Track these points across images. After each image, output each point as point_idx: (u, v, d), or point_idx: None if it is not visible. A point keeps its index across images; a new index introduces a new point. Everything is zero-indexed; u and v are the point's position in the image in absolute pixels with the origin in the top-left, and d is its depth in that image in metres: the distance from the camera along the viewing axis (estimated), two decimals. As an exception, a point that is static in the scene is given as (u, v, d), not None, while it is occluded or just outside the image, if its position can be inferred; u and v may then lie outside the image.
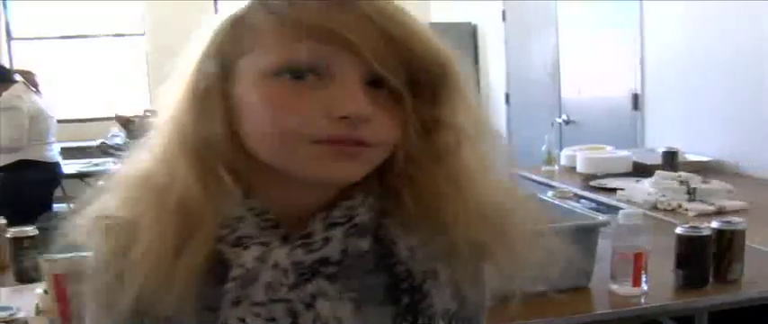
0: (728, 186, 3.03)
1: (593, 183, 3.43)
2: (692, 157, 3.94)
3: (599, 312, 1.73)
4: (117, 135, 6.13)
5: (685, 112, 4.34)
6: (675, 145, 3.87)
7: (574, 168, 3.84)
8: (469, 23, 7.27)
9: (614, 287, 1.77)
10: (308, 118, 0.68)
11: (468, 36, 7.24)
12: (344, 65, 0.68)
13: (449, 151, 0.75)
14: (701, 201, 2.87)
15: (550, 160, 3.90)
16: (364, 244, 0.75)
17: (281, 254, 0.71)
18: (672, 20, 4.39)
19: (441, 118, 0.74)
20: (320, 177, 0.71)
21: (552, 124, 5.53)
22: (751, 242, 2.17)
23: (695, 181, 3.00)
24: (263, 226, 0.73)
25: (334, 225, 0.73)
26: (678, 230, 1.83)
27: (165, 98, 0.75)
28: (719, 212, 2.69)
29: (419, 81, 0.71)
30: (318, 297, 0.72)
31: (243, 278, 0.70)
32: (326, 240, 0.73)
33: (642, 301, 1.77)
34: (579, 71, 5.46)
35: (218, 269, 0.72)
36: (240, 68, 0.71)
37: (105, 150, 6.03)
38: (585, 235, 1.75)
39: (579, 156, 3.84)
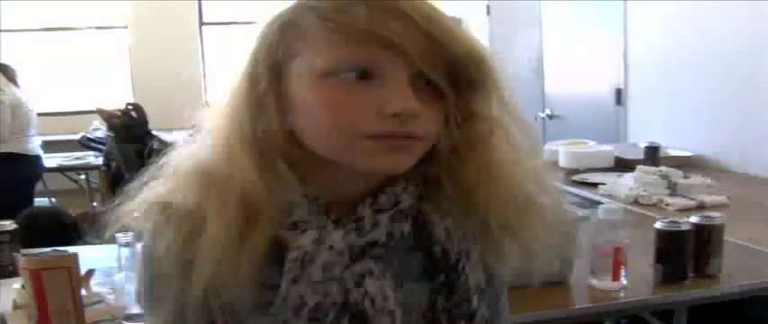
0: (709, 181, 3.04)
1: (575, 177, 3.44)
2: (673, 153, 3.96)
3: (578, 307, 1.74)
4: (98, 128, 6.08)
5: (668, 108, 4.37)
6: (657, 140, 3.88)
7: (556, 163, 3.85)
8: (453, 18, 7.28)
9: (594, 281, 1.78)
10: (361, 116, 0.74)
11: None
12: (393, 66, 0.74)
13: (483, 139, 0.83)
14: (682, 196, 2.88)
15: (533, 155, 3.92)
16: (406, 227, 0.82)
17: (336, 237, 0.79)
18: (655, 18, 4.42)
19: (476, 109, 0.82)
20: (374, 169, 0.78)
21: (536, 119, 5.55)
22: (730, 237, 2.18)
23: (676, 176, 3.01)
24: (317, 211, 0.80)
25: (381, 211, 0.81)
26: (657, 225, 1.83)
27: (219, 97, 0.82)
28: (700, 207, 2.70)
29: (458, 77, 0.78)
30: (366, 276, 0.80)
31: (302, 259, 0.78)
32: (375, 225, 0.80)
33: (621, 295, 1.78)
34: (563, 67, 5.49)
35: (272, 249, 0.78)
36: (292, 70, 0.77)
37: (87, 144, 6.00)
38: (566, 230, 1.75)
39: (561, 150, 3.86)
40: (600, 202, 2.59)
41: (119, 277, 1.55)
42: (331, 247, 0.79)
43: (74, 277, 1.48)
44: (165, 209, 0.81)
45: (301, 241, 0.78)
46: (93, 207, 5.96)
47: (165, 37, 7.90)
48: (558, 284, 1.76)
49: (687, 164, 3.77)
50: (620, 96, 4.74)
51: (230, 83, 0.81)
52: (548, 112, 5.57)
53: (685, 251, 1.82)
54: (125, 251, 1.54)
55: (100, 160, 5.80)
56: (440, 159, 0.82)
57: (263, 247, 0.77)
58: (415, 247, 0.84)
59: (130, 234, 1.48)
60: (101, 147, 5.81)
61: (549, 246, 0.86)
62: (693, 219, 1.88)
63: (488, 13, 6.54)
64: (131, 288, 1.52)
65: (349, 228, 0.80)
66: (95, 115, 6.04)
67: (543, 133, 5.36)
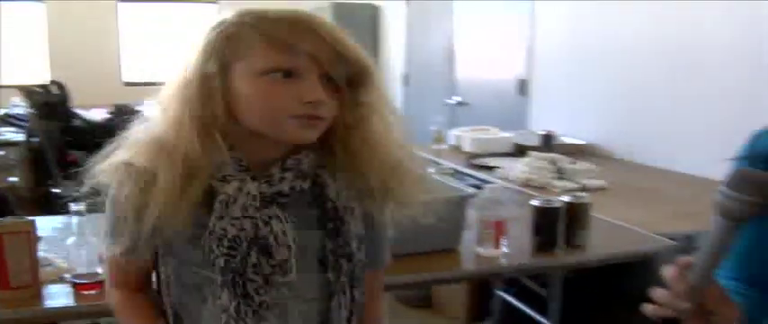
0: (593, 167, 3.39)
1: (475, 161, 3.75)
2: (568, 140, 4.32)
3: (465, 269, 2.05)
4: (18, 105, 6.10)
5: (566, 100, 4.72)
6: (556, 128, 4.23)
7: (461, 147, 4.14)
8: (372, 5, 7.52)
9: (479, 250, 2.07)
10: (287, 103, 1.06)
11: (370, 17, 7.50)
12: (308, 69, 1.06)
13: (364, 119, 1.14)
14: (569, 179, 3.22)
15: (439, 139, 4.21)
16: (305, 184, 1.15)
17: (252, 186, 1.11)
18: (559, 14, 4.75)
19: (360, 99, 1.13)
20: (293, 139, 1.10)
21: (446, 105, 5.84)
22: (605, 215, 2.52)
23: (564, 162, 3.35)
24: (240, 169, 1.11)
25: (287, 170, 1.13)
26: (533, 203, 2.14)
27: (170, 84, 1.10)
28: (583, 190, 3.01)
29: (350, 76, 1.10)
30: (273, 218, 1.11)
31: (226, 201, 1.10)
32: (282, 179, 1.12)
33: (501, 261, 2.07)
34: (473, 57, 5.78)
35: (206, 197, 1.09)
36: (236, 69, 1.07)
37: (7, 120, 6.01)
38: (455, 205, 2.05)
39: (466, 136, 4.16)
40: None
41: (70, 241, 1.76)
42: (248, 193, 1.10)
43: (32, 241, 1.69)
44: (127, 167, 1.10)
45: (227, 188, 1.10)
46: (9, 182, 5.99)
47: (81, 12, 7.90)
48: (449, 251, 2.07)
49: (580, 151, 4.12)
50: (523, 87, 5.07)
51: (184, 74, 1.09)
52: (458, 99, 5.87)
53: (556, 225, 2.13)
54: (75, 219, 1.75)
55: (19, 136, 5.83)
56: (335, 134, 1.14)
57: (199, 195, 1.07)
58: (313, 203, 1.16)
59: (83, 204, 1.69)
60: (22, 123, 5.85)
61: (418, 199, 1.18)
62: (564, 198, 2.19)
63: (406, 1, 6.80)
64: (82, 252, 1.73)
65: (262, 181, 1.12)
66: (15, 91, 6.06)
67: (452, 119, 5.65)
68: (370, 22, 7.46)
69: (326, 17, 1.12)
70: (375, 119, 1.15)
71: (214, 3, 8.40)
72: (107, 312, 1.33)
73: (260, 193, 1.11)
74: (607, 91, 4.37)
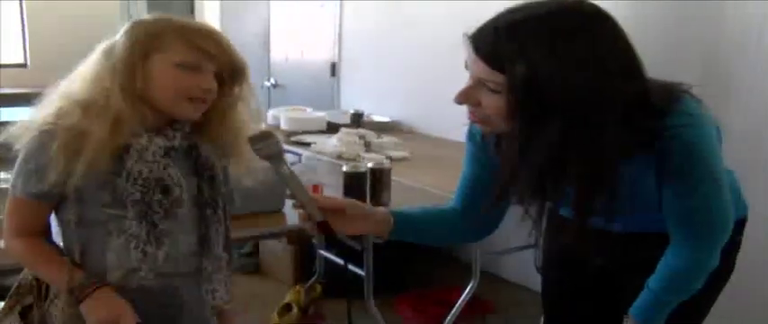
0: (397, 140, 3.84)
1: (293, 138, 4.07)
2: (376, 118, 4.74)
3: (288, 225, 2.41)
4: None
5: (373, 81, 5.11)
6: (364, 108, 4.62)
7: (278, 126, 4.46)
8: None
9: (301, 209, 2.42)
10: (189, 88, 1.44)
11: (184, 1, 7.56)
12: (208, 65, 1.46)
13: (235, 104, 1.55)
14: (376, 152, 3.63)
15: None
16: (185, 143, 1.53)
17: (159, 140, 1.49)
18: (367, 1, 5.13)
19: (234, 90, 1.54)
20: (183, 115, 1.48)
21: (262, 87, 6.09)
22: (407, 180, 2.96)
23: (371, 137, 3.77)
24: (148, 129, 1.47)
25: (176, 130, 1.50)
26: (344, 168, 2.52)
27: (93, 64, 1.47)
28: (388, 159, 3.42)
29: (231, 73, 1.51)
30: (169, 164, 1.50)
31: (140, 149, 1.47)
32: (174, 137, 1.50)
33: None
34: (288, 40, 6.05)
35: (118, 152, 1.44)
36: (156, 57, 1.45)
37: None
38: (279, 173, 2.39)
39: (282, 116, 4.46)
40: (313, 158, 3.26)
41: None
42: (156, 144, 1.48)
43: None
44: (56, 123, 1.42)
45: (140, 140, 1.46)
46: None
47: None
48: (276, 212, 2.42)
49: (386, 128, 4.55)
50: (334, 69, 5.43)
51: (116, 54, 1.44)
52: (272, 81, 6.15)
53: (364, 187, 2.52)
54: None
55: None
56: (212, 111, 1.52)
57: (119, 146, 1.43)
58: (189, 158, 1.54)
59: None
60: None
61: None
62: (369, 165, 2.59)
63: (220, -14, 6.96)
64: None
65: (163, 137, 1.49)
66: None
67: (268, 100, 5.93)
68: (184, 6, 7.52)
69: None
70: (241, 105, 1.56)
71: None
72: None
73: (164, 146, 1.48)
74: (408, 72, 4.77)
